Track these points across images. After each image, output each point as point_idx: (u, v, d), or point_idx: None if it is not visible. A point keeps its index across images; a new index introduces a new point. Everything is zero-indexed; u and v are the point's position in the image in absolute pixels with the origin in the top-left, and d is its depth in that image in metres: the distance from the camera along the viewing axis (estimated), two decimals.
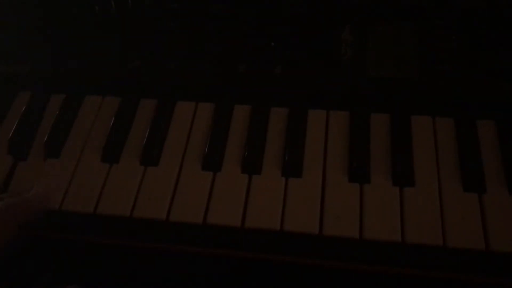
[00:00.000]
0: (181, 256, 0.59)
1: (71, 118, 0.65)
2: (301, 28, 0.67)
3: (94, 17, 0.71)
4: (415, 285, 0.55)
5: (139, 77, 0.66)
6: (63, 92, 0.67)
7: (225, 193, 0.57)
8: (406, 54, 0.64)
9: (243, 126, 0.62)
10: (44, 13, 0.72)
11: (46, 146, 0.62)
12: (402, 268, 0.53)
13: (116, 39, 0.69)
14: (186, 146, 0.61)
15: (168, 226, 0.56)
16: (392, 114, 0.61)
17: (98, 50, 0.69)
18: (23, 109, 0.66)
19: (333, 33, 0.66)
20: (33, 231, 0.58)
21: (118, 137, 0.62)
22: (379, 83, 0.63)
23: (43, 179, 0.59)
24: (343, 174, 0.57)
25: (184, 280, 0.61)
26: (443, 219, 0.53)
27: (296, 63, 0.65)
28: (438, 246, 0.52)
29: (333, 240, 0.54)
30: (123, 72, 0.67)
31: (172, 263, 0.60)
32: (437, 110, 0.61)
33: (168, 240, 0.56)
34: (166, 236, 0.56)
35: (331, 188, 0.56)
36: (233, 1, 0.70)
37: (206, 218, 0.55)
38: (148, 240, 0.56)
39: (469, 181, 0.55)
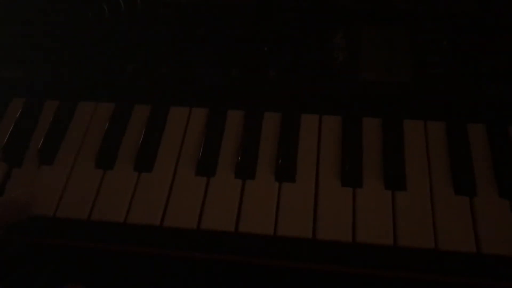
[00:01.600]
0: (175, 261, 0.59)
1: (65, 125, 0.65)
2: (294, 33, 0.68)
3: (88, 24, 0.71)
4: None
5: (133, 83, 0.67)
6: (57, 99, 0.67)
7: (219, 198, 0.57)
8: (398, 58, 0.65)
9: (236, 131, 0.62)
10: (38, 19, 0.72)
11: (40, 152, 0.62)
12: (394, 271, 0.54)
13: (109, 45, 0.69)
14: (180, 151, 0.61)
15: (162, 232, 0.56)
16: (384, 118, 0.62)
17: (92, 56, 0.69)
18: (17, 115, 0.66)
19: (326, 38, 0.67)
20: (28, 237, 0.58)
21: (112, 143, 0.62)
22: (371, 87, 0.63)
23: (37, 186, 0.60)
24: (336, 179, 0.58)
25: (178, 285, 0.62)
26: (434, 222, 0.54)
27: (289, 67, 0.65)
28: (430, 249, 0.53)
29: (327, 244, 0.54)
30: (117, 78, 0.67)
31: (166, 268, 0.61)
32: (429, 114, 0.62)
33: (162, 245, 0.56)
34: (160, 242, 0.56)
35: (324, 193, 0.57)
36: (226, 7, 0.70)
37: (200, 223, 0.55)
38: (142, 246, 0.56)
39: (460, 185, 0.56)
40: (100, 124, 0.64)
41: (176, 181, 0.59)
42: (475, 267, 0.52)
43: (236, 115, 0.64)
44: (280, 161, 0.59)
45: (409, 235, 0.53)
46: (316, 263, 0.54)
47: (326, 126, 0.62)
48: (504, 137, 0.59)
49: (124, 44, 0.69)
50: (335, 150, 0.60)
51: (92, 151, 0.62)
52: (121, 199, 0.58)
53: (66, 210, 0.58)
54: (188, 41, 0.68)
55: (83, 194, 0.58)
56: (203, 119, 0.64)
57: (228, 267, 0.59)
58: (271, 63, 0.66)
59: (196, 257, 0.56)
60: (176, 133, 0.63)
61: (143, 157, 0.61)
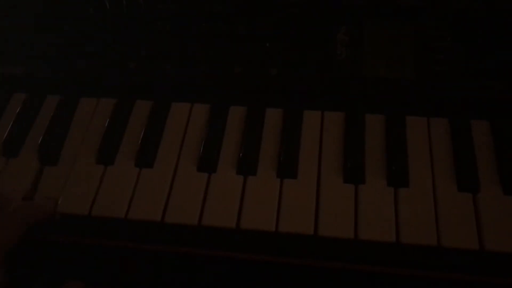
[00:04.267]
0: (176, 258, 0.59)
1: (66, 120, 0.64)
2: (296, 29, 0.67)
3: (89, 19, 0.71)
4: (410, 285, 0.55)
5: (134, 79, 0.66)
6: (58, 94, 0.67)
7: (220, 194, 0.57)
8: (401, 54, 0.65)
9: (238, 127, 0.62)
10: (39, 14, 0.72)
11: (41, 148, 0.62)
12: (397, 268, 0.53)
13: (111, 41, 0.69)
14: (181, 147, 0.61)
15: (163, 228, 0.56)
16: (387, 115, 0.61)
17: (93, 51, 0.69)
18: (18, 110, 0.66)
19: (329, 34, 0.66)
20: (29, 234, 0.58)
21: (113, 139, 0.62)
22: (374, 84, 0.63)
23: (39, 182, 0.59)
24: (338, 175, 0.57)
25: (179, 281, 0.62)
26: (437, 219, 0.53)
27: (291, 63, 0.65)
28: (433, 246, 0.52)
29: (328, 241, 0.54)
30: (118, 73, 0.67)
31: (167, 265, 0.60)
32: (432, 110, 0.61)
33: (163, 241, 0.56)
34: (161, 238, 0.56)
35: (326, 189, 0.56)
36: (228, 2, 0.70)
37: (201, 219, 0.55)
38: (143, 242, 0.56)
39: (463, 181, 0.56)
40: (101, 119, 0.64)
41: (177, 177, 0.58)
42: (478, 264, 0.52)
43: (238, 111, 0.63)
44: (282, 157, 0.59)
45: (412, 232, 0.53)
46: (318, 260, 0.54)
47: (329, 122, 0.62)
48: (508, 134, 0.59)
49: (126, 39, 0.69)
50: (338, 147, 0.60)
51: (93, 147, 0.62)
52: (122, 195, 0.57)
53: (67, 206, 0.57)
54: (190, 37, 0.68)
55: (83, 189, 0.58)
56: (204, 115, 0.63)
57: (229, 263, 0.59)
58: (273, 59, 0.65)
59: (197, 254, 0.56)
60: (177, 129, 0.62)
61: (144, 152, 0.60)
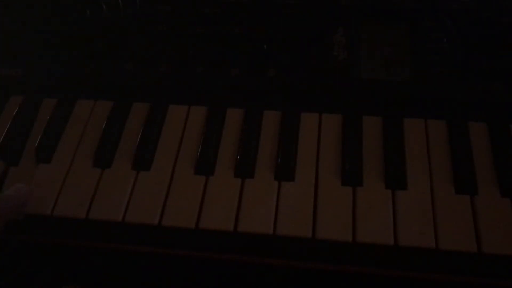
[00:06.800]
0: (173, 261, 0.59)
1: (63, 123, 0.64)
2: (294, 31, 0.67)
3: (86, 21, 0.70)
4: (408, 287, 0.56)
5: (131, 81, 0.66)
6: (55, 96, 0.67)
7: (218, 197, 0.56)
8: (399, 56, 0.64)
9: (235, 129, 0.62)
10: (36, 17, 0.72)
11: (38, 151, 0.62)
12: (395, 271, 0.53)
13: (107, 43, 0.69)
14: (179, 150, 0.61)
15: (160, 231, 0.55)
16: (384, 117, 0.61)
17: (90, 54, 0.68)
18: (15, 113, 0.66)
19: (326, 35, 0.66)
20: (25, 236, 0.58)
21: (110, 142, 0.62)
22: (372, 86, 0.63)
23: (34, 184, 0.59)
24: (336, 177, 0.57)
25: (176, 284, 0.61)
26: (435, 222, 0.54)
27: (289, 65, 0.65)
28: (431, 248, 0.52)
29: (326, 244, 0.54)
30: (115, 75, 0.67)
31: (164, 268, 0.60)
32: (429, 112, 0.61)
33: (160, 244, 0.55)
34: (158, 241, 0.55)
35: (324, 192, 0.56)
36: (225, 4, 0.70)
37: (198, 222, 0.55)
38: (140, 245, 0.56)
39: (461, 183, 0.56)
40: (98, 122, 0.64)
41: (175, 180, 0.58)
42: (476, 266, 0.52)
43: (236, 114, 0.63)
44: (279, 159, 0.59)
45: (410, 234, 0.53)
46: (316, 263, 0.54)
47: (326, 125, 0.62)
48: (506, 136, 0.59)
49: (123, 41, 0.69)
50: (335, 149, 0.59)
51: (90, 150, 0.61)
52: (119, 198, 0.57)
53: (63, 209, 0.57)
54: (187, 39, 0.68)
55: (80, 193, 0.58)
56: (202, 117, 0.63)
57: (226, 266, 0.58)
58: (270, 61, 0.65)
59: (195, 256, 0.56)
60: (174, 132, 0.62)
61: (141, 155, 0.60)
